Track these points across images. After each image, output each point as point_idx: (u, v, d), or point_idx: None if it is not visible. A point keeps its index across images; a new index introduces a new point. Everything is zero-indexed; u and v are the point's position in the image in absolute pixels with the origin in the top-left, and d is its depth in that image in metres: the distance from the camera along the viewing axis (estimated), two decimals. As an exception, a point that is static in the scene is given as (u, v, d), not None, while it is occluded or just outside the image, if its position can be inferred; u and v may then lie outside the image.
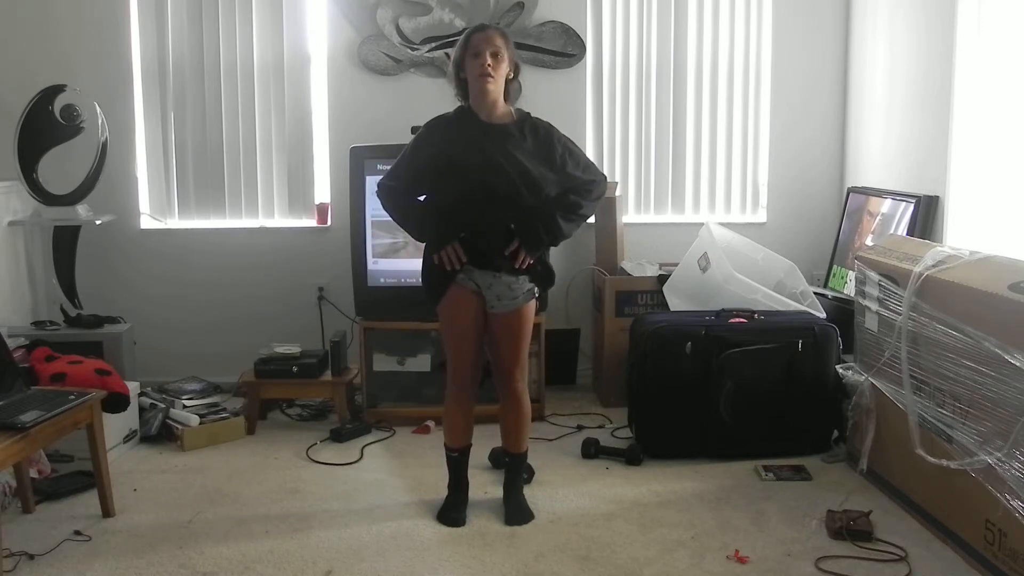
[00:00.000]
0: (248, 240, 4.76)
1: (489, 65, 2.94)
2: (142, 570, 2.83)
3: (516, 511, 3.18)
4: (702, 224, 4.35)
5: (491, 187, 2.93)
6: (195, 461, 3.78)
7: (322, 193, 4.79)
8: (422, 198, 3.11)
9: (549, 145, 3.03)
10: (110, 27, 4.58)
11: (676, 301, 4.25)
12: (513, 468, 3.27)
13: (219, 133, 4.69)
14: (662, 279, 4.37)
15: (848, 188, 4.73)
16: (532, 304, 3.12)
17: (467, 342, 3.10)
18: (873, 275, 3.37)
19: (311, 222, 4.79)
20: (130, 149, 4.67)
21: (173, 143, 4.69)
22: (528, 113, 3.10)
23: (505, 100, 3.05)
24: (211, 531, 3.10)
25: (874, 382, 3.37)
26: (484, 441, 3.50)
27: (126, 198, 4.69)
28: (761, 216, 4.94)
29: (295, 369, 4.20)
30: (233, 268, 4.74)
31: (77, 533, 3.06)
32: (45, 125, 4.18)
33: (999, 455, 2.63)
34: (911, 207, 3.95)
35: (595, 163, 3.19)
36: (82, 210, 4.33)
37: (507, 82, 3.03)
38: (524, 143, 3.00)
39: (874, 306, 3.35)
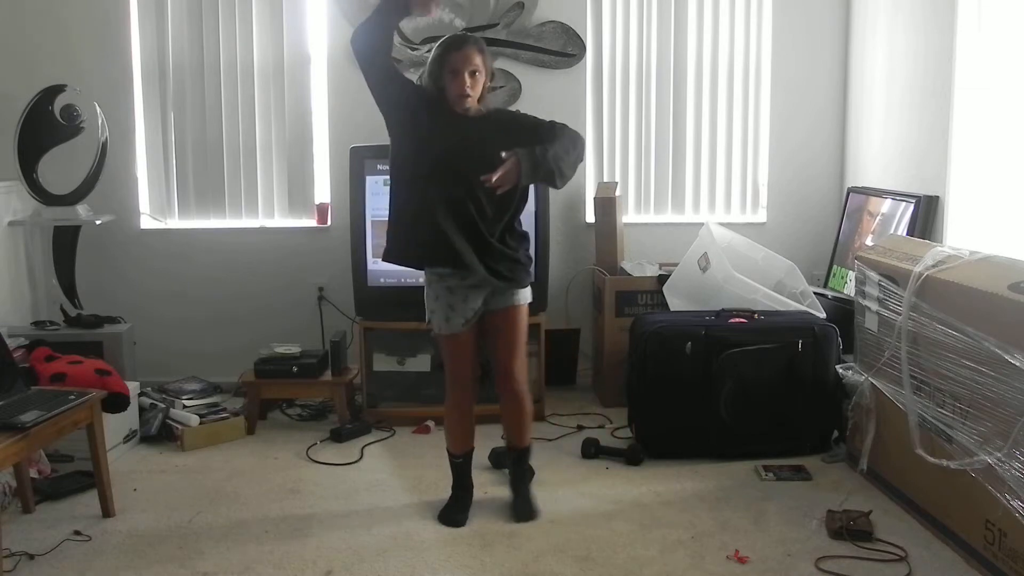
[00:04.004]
0: (248, 240, 4.75)
1: (468, 85, 2.96)
2: (142, 570, 2.83)
3: (524, 505, 3.19)
4: (702, 224, 4.35)
5: (461, 171, 2.94)
6: (195, 461, 3.78)
7: (322, 193, 4.79)
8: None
9: (513, 122, 3.10)
10: (110, 27, 4.58)
11: (676, 301, 4.25)
12: (518, 463, 3.28)
13: (219, 133, 4.69)
14: (662, 279, 4.37)
15: (848, 188, 4.73)
16: (526, 306, 3.15)
17: (464, 345, 3.12)
18: (873, 275, 3.36)
19: (311, 222, 4.79)
20: (130, 149, 4.67)
21: (173, 143, 4.69)
22: (496, 107, 3.18)
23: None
24: (211, 531, 3.10)
25: (874, 382, 3.37)
26: (484, 441, 3.50)
27: (126, 198, 4.69)
28: (761, 216, 4.94)
29: (295, 369, 4.20)
30: (233, 268, 4.74)
31: (77, 533, 3.06)
32: (45, 125, 4.18)
33: (999, 455, 2.62)
34: (911, 207, 3.95)
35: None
36: (82, 210, 4.33)
37: (484, 91, 3.05)
38: (496, 132, 3.00)
39: (874, 306, 3.35)
